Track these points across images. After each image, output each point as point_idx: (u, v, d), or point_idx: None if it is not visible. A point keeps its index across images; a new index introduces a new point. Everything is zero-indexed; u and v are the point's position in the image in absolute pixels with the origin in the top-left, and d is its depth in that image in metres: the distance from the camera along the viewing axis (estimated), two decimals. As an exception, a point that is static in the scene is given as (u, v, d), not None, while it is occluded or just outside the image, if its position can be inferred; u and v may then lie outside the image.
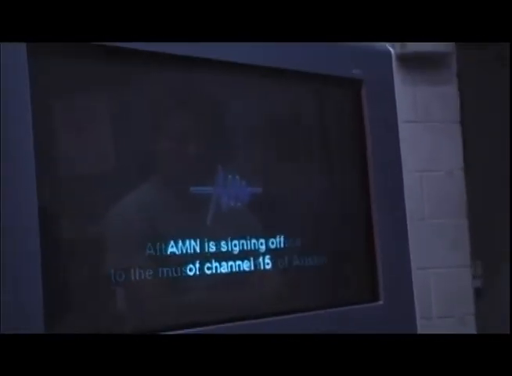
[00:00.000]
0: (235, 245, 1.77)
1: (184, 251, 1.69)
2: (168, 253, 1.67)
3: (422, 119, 3.31)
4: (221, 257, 1.74)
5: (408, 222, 2.07)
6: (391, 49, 2.08)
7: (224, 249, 1.75)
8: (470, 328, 3.45)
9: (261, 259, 1.81)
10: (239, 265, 1.77)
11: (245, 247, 1.78)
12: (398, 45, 3.04)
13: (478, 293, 4.10)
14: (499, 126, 3.97)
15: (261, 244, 1.81)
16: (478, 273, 4.21)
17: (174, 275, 1.68)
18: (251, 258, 1.79)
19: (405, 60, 2.89)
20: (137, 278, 1.62)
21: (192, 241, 1.70)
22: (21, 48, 1.46)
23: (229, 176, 1.77)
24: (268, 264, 1.82)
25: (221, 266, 1.74)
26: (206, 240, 1.72)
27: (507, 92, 3.76)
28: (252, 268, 1.79)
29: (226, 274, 1.75)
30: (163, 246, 1.66)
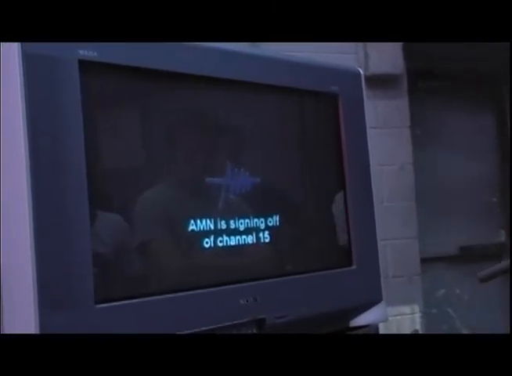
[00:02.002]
0: (241, 223, 1.71)
1: (201, 228, 1.63)
2: (189, 230, 1.62)
3: (381, 125, 3.29)
4: (230, 232, 1.69)
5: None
6: (360, 70, 2.04)
7: (232, 226, 1.69)
8: (417, 285, 3.44)
9: (261, 234, 1.75)
10: (244, 239, 1.72)
11: (248, 225, 1.73)
12: (362, 67, 3.01)
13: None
14: (441, 130, 3.97)
15: (261, 222, 1.76)
16: (502, 239, 4.13)
17: (194, 246, 1.63)
18: (254, 233, 1.74)
19: (369, 80, 2.85)
20: (166, 249, 1.59)
21: (208, 220, 1.65)
22: (74, 65, 1.42)
23: (236, 169, 1.72)
24: (266, 238, 1.77)
25: (230, 240, 1.69)
26: (218, 219, 1.67)
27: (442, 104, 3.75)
28: (254, 241, 1.74)
29: (234, 246, 1.69)
30: (185, 224, 1.61)
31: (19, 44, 1.36)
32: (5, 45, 1.35)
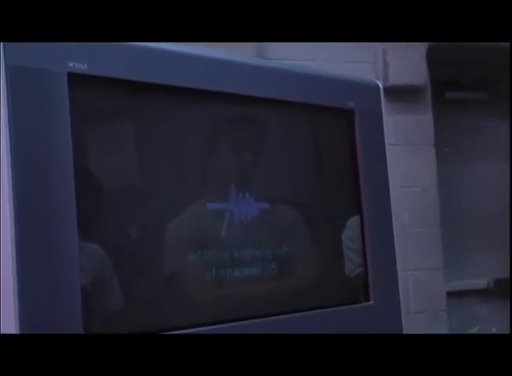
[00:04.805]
0: (246, 253, 1.71)
1: (203, 260, 1.64)
2: (190, 260, 1.62)
3: (402, 143, 3.30)
4: (234, 263, 1.69)
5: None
6: (379, 83, 2.05)
7: (236, 257, 1.69)
8: (443, 323, 3.42)
9: (268, 265, 1.75)
10: (249, 271, 1.72)
11: (254, 255, 1.73)
12: (381, 78, 3.03)
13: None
14: (472, 148, 3.95)
15: (269, 252, 1.75)
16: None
17: (195, 279, 1.64)
18: (260, 264, 1.74)
19: (388, 92, 2.87)
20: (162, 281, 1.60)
21: (210, 251, 1.65)
22: (63, 78, 1.43)
23: (240, 193, 1.71)
24: (273, 269, 1.76)
25: (233, 272, 1.69)
26: (221, 249, 1.67)
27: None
28: (261, 272, 1.73)
29: (238, 277, 1.70)
30: (186, 255, 1.62)
31: (2, 55, 1.37)
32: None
